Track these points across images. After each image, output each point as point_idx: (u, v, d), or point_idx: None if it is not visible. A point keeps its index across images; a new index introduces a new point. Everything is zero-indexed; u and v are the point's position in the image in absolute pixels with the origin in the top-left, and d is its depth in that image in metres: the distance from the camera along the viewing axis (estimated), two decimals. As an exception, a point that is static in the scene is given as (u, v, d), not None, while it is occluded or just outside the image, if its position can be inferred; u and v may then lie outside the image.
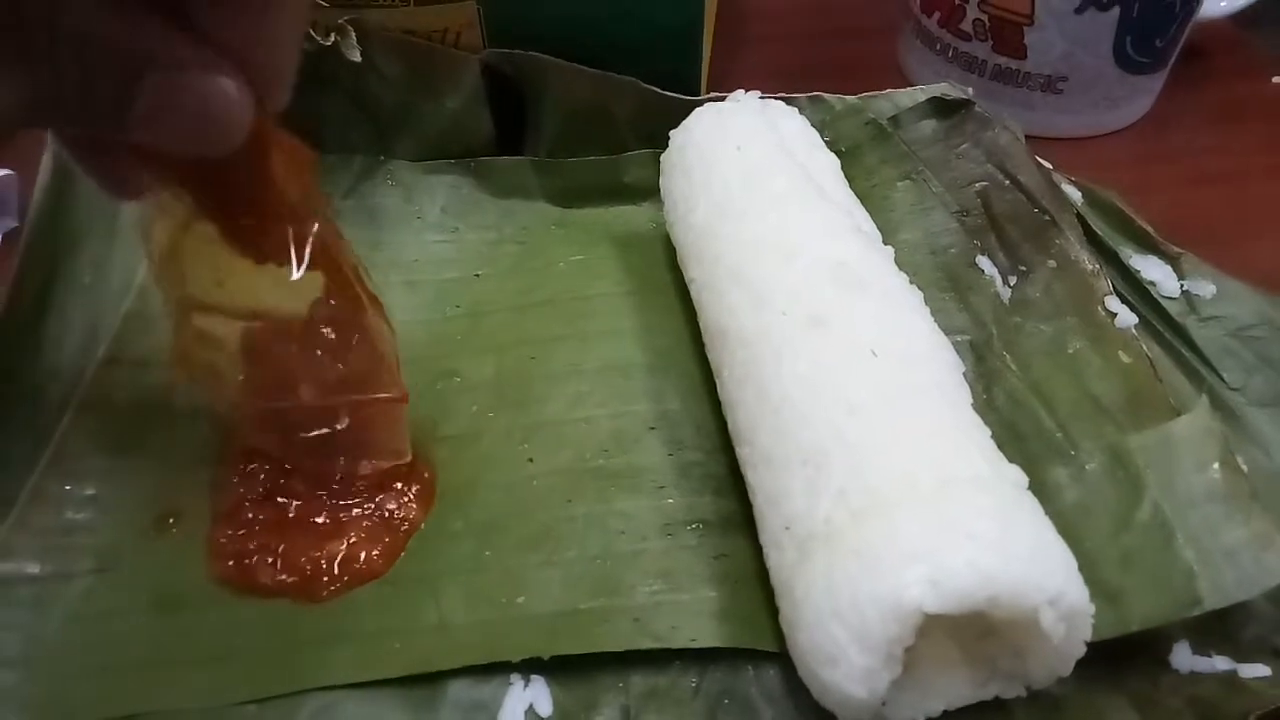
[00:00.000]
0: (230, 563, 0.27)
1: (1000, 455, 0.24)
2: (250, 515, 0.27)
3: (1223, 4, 0.44)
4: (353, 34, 0.35)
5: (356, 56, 0.34)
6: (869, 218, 0.31)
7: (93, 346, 0.31)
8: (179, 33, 0.19)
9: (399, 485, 0.28)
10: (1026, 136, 0.37)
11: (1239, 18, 0.45)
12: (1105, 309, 0.30)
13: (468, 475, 0.29)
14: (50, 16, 0.18)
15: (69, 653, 0.25)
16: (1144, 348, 0.29)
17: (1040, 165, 0.34)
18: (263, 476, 0.28)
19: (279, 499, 0.28)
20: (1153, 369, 0.28)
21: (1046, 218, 0.32)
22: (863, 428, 0.23)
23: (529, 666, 0.25)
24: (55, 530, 0.27)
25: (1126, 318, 0.29)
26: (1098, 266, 0.31)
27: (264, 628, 0.26)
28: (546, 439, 0.30)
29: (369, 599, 0.26)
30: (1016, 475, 0.23)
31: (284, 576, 0.26)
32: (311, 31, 0.33)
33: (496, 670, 0.25)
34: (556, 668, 0.25)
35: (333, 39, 0.34)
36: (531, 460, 0.30)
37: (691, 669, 0.25)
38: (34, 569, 0.26)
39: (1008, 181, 0.34)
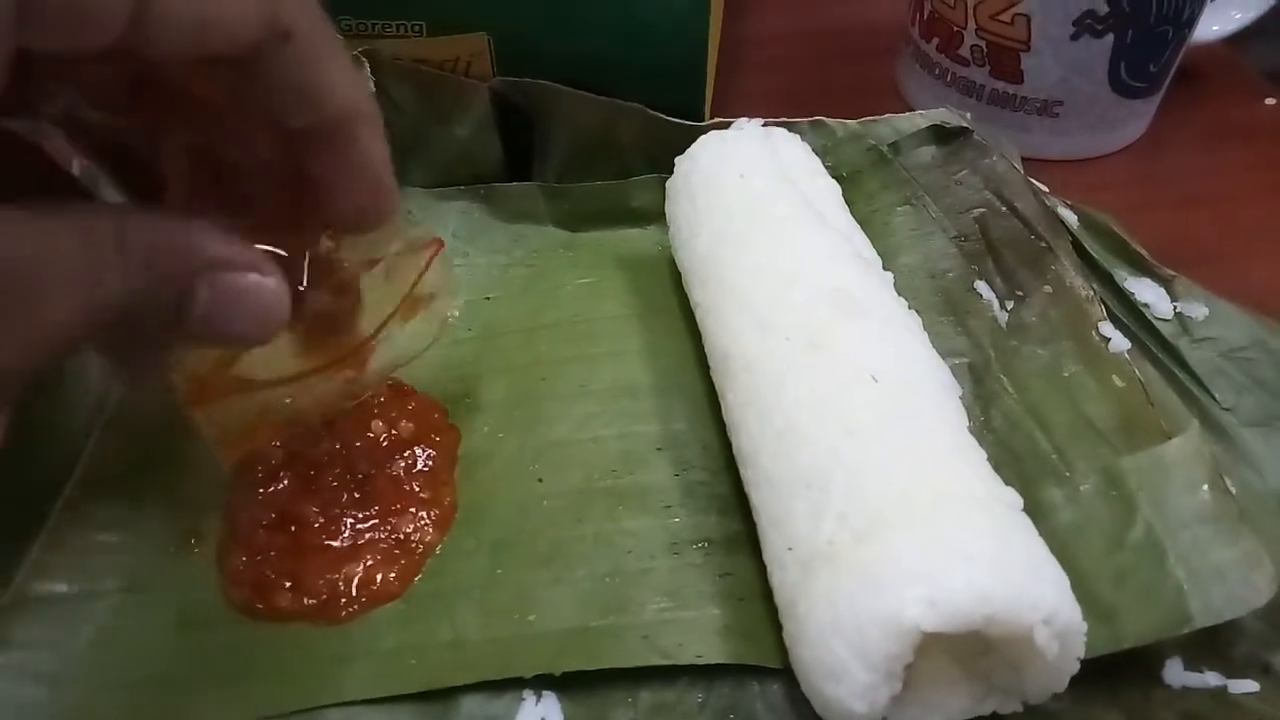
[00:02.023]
0: (249, 590, 0.27)
1: (996, 477, 0.25)
2: (266, 540, 0.28)
3: (1215, 28, 0.45)
4: (367, 65, 0.36)
5: (371, 87, 0.35)
6: (869, 243, 0.32)
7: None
8: (226, 233, 0.21)
9: (414, 509, 0.29)
10: (1023, 159, 0.38)
11: (1231, 40, 0.45)
12: (1099, 334, 0.30)
13: (480, 494, 0.30)
14: (118, 231, 0.19)
15: (97, 669, 0.26)
16: (1137, 372, 0.29)
17: (1036, 192, 0.35)
18: (277, 500, 0.29)
19: (294, 522, 0.28)
20: (1145, 393, 0.29)
21: (1042, 244, 0.33)
22: (862, 451, 0.24)
23: (541, 682, 0.26)
24: (84, 550, 0.28)
25: (1120, 343, 0.30)
26: (1092, 292, 0.32)
27: (284, 646, 0.27)
28: (556, 459, 0.31)
29: (385, 617, 0.27)
30: (1011, 497, 0.24)
31: (303, 600, 0.27)
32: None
33: (509, 686, 0.26)
34: (567, 683, 0.26)
35: (348, 70, 0.35)
36: (541, 480, 0.31)
37: (698, 684, 0.26)
38: (64, 588, 0.27)
39: (1005, 208, 0.35)
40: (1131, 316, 0.34)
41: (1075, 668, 0.23)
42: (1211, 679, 0.25)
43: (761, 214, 0.31)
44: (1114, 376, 0.30)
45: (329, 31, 0.21)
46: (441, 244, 0.27)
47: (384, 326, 0.26)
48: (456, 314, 0.27)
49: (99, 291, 0.19)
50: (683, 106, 0.39)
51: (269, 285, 0.21)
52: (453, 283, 0.27)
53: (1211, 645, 0.25)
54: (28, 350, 0.18)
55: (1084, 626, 0.22)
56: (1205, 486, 0.26)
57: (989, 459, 0.25)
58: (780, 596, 0.25)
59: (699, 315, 0.32)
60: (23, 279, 0.17)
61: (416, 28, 0.37)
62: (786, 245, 0.30)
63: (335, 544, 0.28)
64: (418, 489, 0.30)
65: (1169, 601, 0.24)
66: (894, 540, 0.22)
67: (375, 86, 0.36)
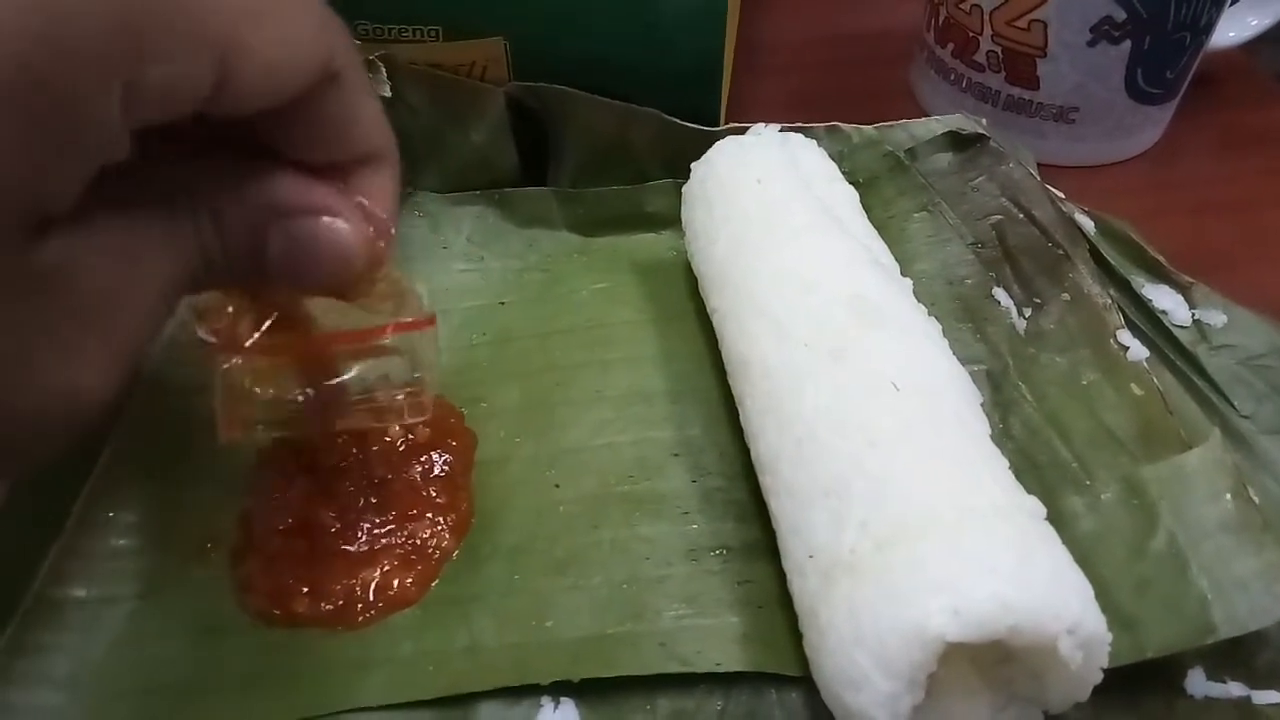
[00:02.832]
0: (266, 596, 0.27)
1: (1018, 486, 0.24)
2: (283, 546, 0.28)
3: (1231, 34, 0.44)
4: (383, 69, 0.36)
5: (387, 91, 0.35)
6: (887, 249, 0.32)
7: (135, 374, 0.32)
8: (298, 181, 0.21)
9: (430, 515, 0.29)
10: (1039, 165, 0.38)
11: (1247, 46, 0.45)
12: (1118, 342, 0.30)
13: (496, 500, 0.30)
14: (189, 195, 0.19)
15: (113, 675, 0.26)
16: (1155, 381, 0.29)
17: (1053, 199, 0.35)
18: (293, 505, 0.29)
19: (311, 528, 0.28)
20: (1164, 402, 0.29)
21: (1060, 252, 0.33)
22: (884, 459, 0.24)
23: (558, 689, 0.26)
24: (102, 555, 0.28)
25: (1138, 351, 0.30)
26: (1109, 300, 0.31)
27: (301, 652, 0.27)
28: (572, 465, 0.31)
29: (402, 623, 0.27)
30: (1034, 506, 0.24)
31: (320, 606, 0.27)
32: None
33: (527, 692, 0.26)
34: (585, 690, 0.25)
35: (364, 75, 0.35)
36: (558, 486, 0.30)
37: (716, 692, 0.26)
38: (81, 593, 0.27)
39: (1021, 215, 0.35)
40: (1149, 324, 0.34)
41: (1098, 677, 0.22)
42: (1235, 690, 0.25)
43: (779, 220, 0.31)
44: (1132, 385, 0.30)
45: (360, 63, 0.21)
46: (434, 322, 0.26)
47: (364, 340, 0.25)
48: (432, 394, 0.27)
49: (180, 268, 0.19)
50: (698, 111, 0.39)
51: (343, 228, 0.22)
52: (437, 363, 0.27)
53: (1234, 655, 0.25)
54: (124, 361, 0.18)
55: (1108, 636, 0.22)
56: (1228, 496, 0.25)
57: (1009, 467, 0.25)
58: (800, 605, 0.25)
59: (716, 321, 0.32)
60: (112, 294, 0.17)
61: (433, 32, 0.37)
62: (805, 252, 0.29)
63: (352, 549, 0.28)
64: (434, 494, 0.30)
65: (1192, 612, 0.24)
66: (917, 549, 0.22)
67: (391, 91, 0.36)
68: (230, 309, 0.24)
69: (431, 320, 0.25)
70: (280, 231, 0.21)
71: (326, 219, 0.21)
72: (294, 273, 0.21)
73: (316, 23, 0.19)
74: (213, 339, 0.23)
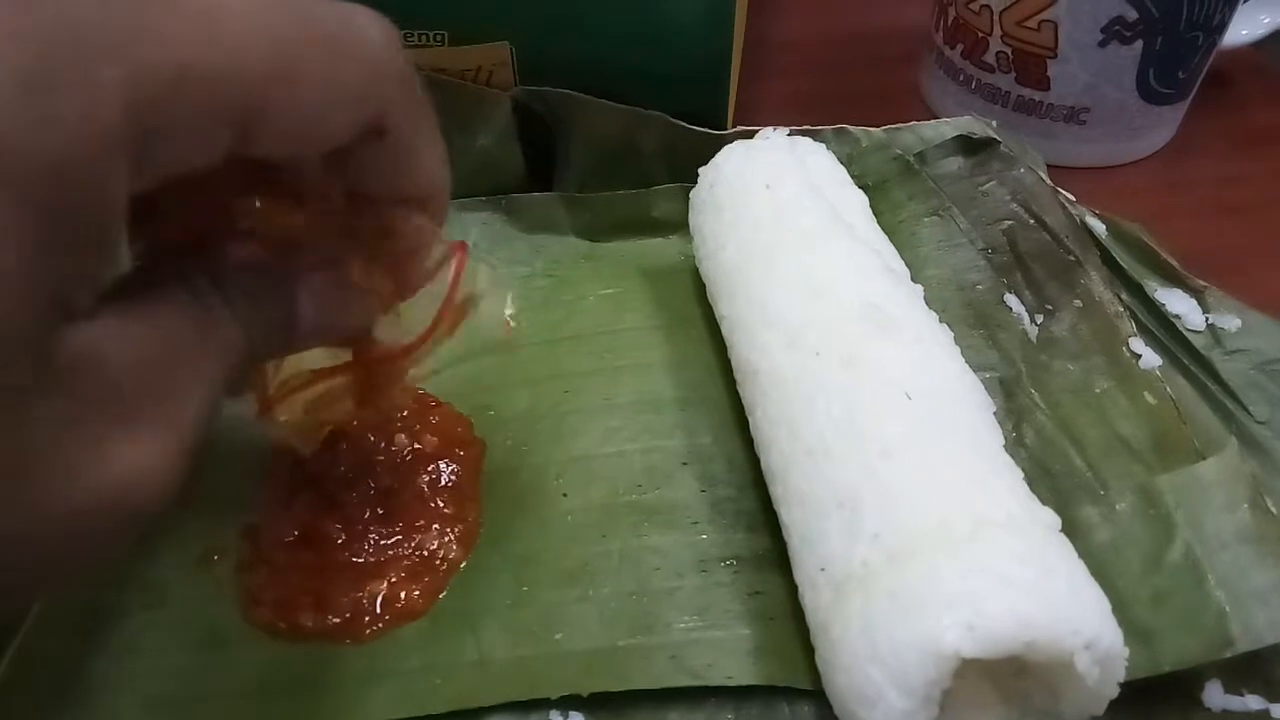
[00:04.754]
0: (271, 608, 0.27)
1: (1033, 497, 0.24)
2: (288, 557, 0.28)
3: (1244, 32, 0.44)
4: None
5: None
6: (897, 255, 0.32)
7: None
8: (312, 238, 0.21)
9: (438, 526, 0.29)
10: (1049, 166, 0.37)
11: (1260, 45, 0.45)
12: (1130, 350, 0.30)
13: (504, 510, 0.30)
14: (218, 285, 0.19)
15: (116, 687, 0.26)
16: (1169, 390, 0.29)
17: (1064, 205, 0.34)
18: (299, 516, 0.29)
19: (317, 539, 0.28)
20: (1178, 412, 0.28)
21: (1071, 258, 0.33)
22: (897, 470, 0.24)
23: (568, 702, 0.25)
24: (106, 565, 0.28)
25: (1151, 359, 0.30)
26: (1121, 308, 0.31)
27: (306, 665, 0.26)
28: (580, 474, 0.31)
29: (409, 635, 0.27)
30: (1050, 518, 0.24)
31: (326, 619, 0.27)
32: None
33: (536, 706, 0.25)
34: (595, 703, 0.25)
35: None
36: (566, 495, 0.30)
37: (727, 705, 0.26)
38: (86, 604, 0.27)
39: (1033, 221, 0.34)
40: (1163, 328, 0.34)
41: (1115, 692, 0.22)
42: (1253, 703, 0.25)
43: (789, 226, 0.30)
44: (1145, 394, 0.29)
45: (423, 114, 0.20)
46: (464, 246, 0.25)
47: (429, 337, 0.25)
48: (511, 312, 0.26)
49: (221, 348, 0.19)
50: (705, 114, 0.39)
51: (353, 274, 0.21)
52: (499, 280, 0.25)
53: (1253, 668, 0.25)
54: (180, 449, 0.17)
55: (1125, 651, 0.21)
56: (1245, 506, 0.25)
57: (1023, 475, 0.25)
58: (813, 619, 0.24)
59: (725, 329, 0.31)
60: (149, 383, 0.17)
61: (439, 37, 0.37)
62: (816, 258, 0.29)
63: (359, 561, 0.28)
64: (442, 504, 0.29)
65: (1210, 624, 0.24)
66: (931, 563, 0.22)
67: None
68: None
69: (462, 246, 0.24)
70: (306, 291, 0.21)
71: (342, 269, 0.21)
72: (328, 327, 0.21)
73: (364, 74, 0.18)
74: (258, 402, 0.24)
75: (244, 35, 0.16)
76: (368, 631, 0.27)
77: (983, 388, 0.27)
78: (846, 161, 0.36)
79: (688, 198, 0.35)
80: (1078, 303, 0.32)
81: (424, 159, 0.21)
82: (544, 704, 0.25)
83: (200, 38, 0.15)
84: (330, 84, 0.17)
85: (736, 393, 0.31)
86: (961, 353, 0.28)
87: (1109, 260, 0.35)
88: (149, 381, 0.17)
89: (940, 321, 0.29)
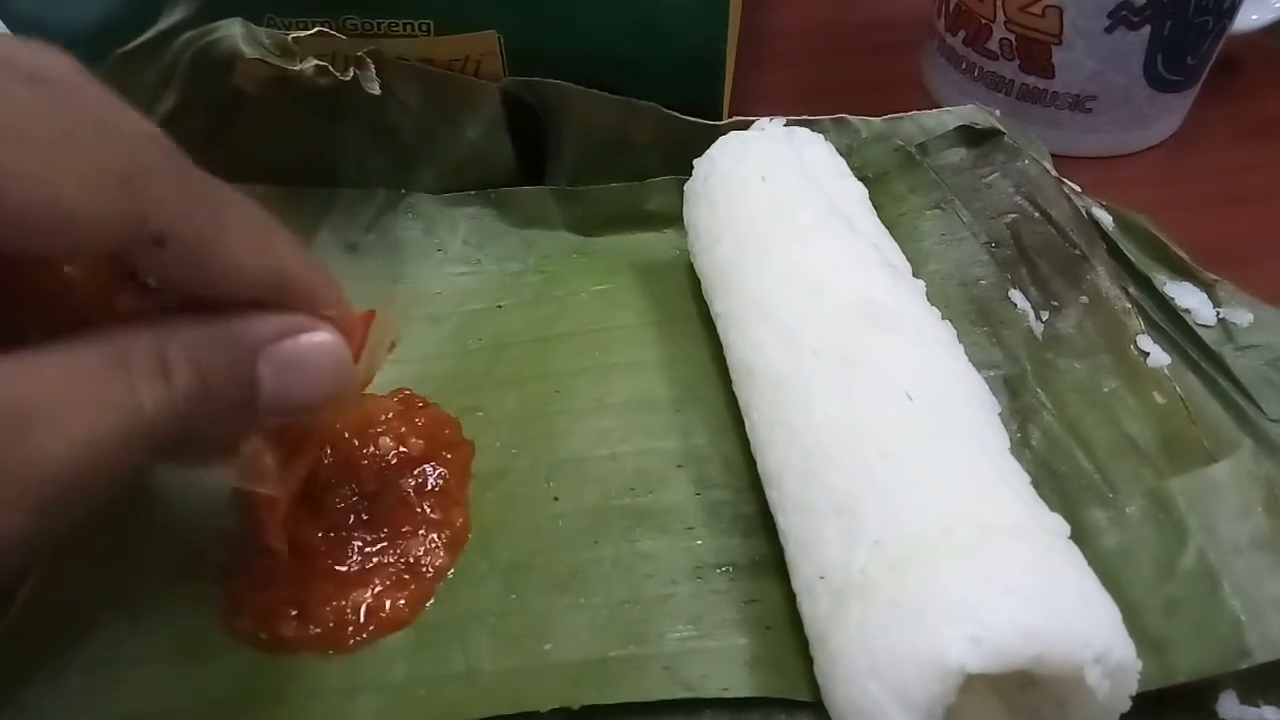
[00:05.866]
0: (252, 618, 0.26)
1: (1040, 502, 0.23)
2: (269, 566, 0.27)
3: (1254, 17, 0.43)
4: (371, 67, 0.34)
5: (376, 89, 0.34)
6: (898, 249, 0.31)
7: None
8: (264, 314, 0.20)
9: (424, 531, 0.28)
10: (1054, 156, 0.36)
11: (1271, 30, 0.44)
12: (1138, 348, 0.29)
13: (493, 514, 0.29)
14: (157, 349, 0.18)
15: (93, 699, 0.25)
16: (1178, 389, 0.28)
17: (1070, 198, 0.33)
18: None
19: (299, 547, 0.27)
20: (1187, 412, 0.27)
21: (1077, 252, 0.32)
22: (898, 474, 0.23)
23: (558, 715, 0.24)
24: (82, 575, 0.27)
25: (1159, 357, 0.29)
26: (1129, 305, 0.30)
27: (289, 677, 0.25)
28: (571, 476, 0.30)
29: (395, 646, 0.26)
30: (1057, 524, 0.23)
31: (309, 629, 0.26)
32: (330, 66, 0.33)
33: (524, 719, 0.24)
34: (586, 716, 0.24)
35: (351, 73, 0.34)
36: (556, 499, 0.29)
37: (722, 716, 0.25)
38: (64, 614, 0.26)
39: (1037, 214, 0.33)
40: (1172, 323, 0.33)
41: (1126, 705, 0.21)
42: (1269, 714, 0.24)
43: (785, 220, 0.29)
44: (1154, 393, 0.28)
45: (216, 208, 0.19)
46: (372, 315, 0.24)
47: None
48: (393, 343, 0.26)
49: (143, 419, 0.18)
50: (700, 104, 0.38)
51: (326, 338, 0.21)
52: (395, 319, 0.25)
53: (1269, 678, 0.24)
54: (32, 500, 0.16)
55: (1138, 664, 0.21)
56: (1260, 509, 0.24)
57: (1029, 479, 0.24)
58: (811, 629, 0.23)
59: (720, 326, 0.30)
60: (18, 436, 0.16)
61: (424, 26, 0.36)
62: (813, 253, 0.28)
63: (342, 569, 0.27)
64: (428, 509, 0.28)
65: (1225, 634, 0.23)
66: (933, 572, 0.21)
67: (381, 88, 0.34)
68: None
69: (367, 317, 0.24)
70: (268, 361, 0.20)
71: (307, 335, 0.21)
72: (289, 400, 0.21)
73: (111, 185, 0.17)
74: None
75: None
76: (351, 642, 0.26)
77: (987, 387, 0.26)
78: (846, 152, 0.35)
79: (682, 191, 0.34)
80: (1084, 299, 0.31)
81: (231, 258, 0.19)
82: (533, 717, 0.24)
83: None
84: (62, 189, 0.16)
85: (732, 392, 0.30)
86: (965, 351, 0.27)
87: (1116, 253, 0.34)
88: (15, 434, 0.16)
89: (942, 318, 0.28)
